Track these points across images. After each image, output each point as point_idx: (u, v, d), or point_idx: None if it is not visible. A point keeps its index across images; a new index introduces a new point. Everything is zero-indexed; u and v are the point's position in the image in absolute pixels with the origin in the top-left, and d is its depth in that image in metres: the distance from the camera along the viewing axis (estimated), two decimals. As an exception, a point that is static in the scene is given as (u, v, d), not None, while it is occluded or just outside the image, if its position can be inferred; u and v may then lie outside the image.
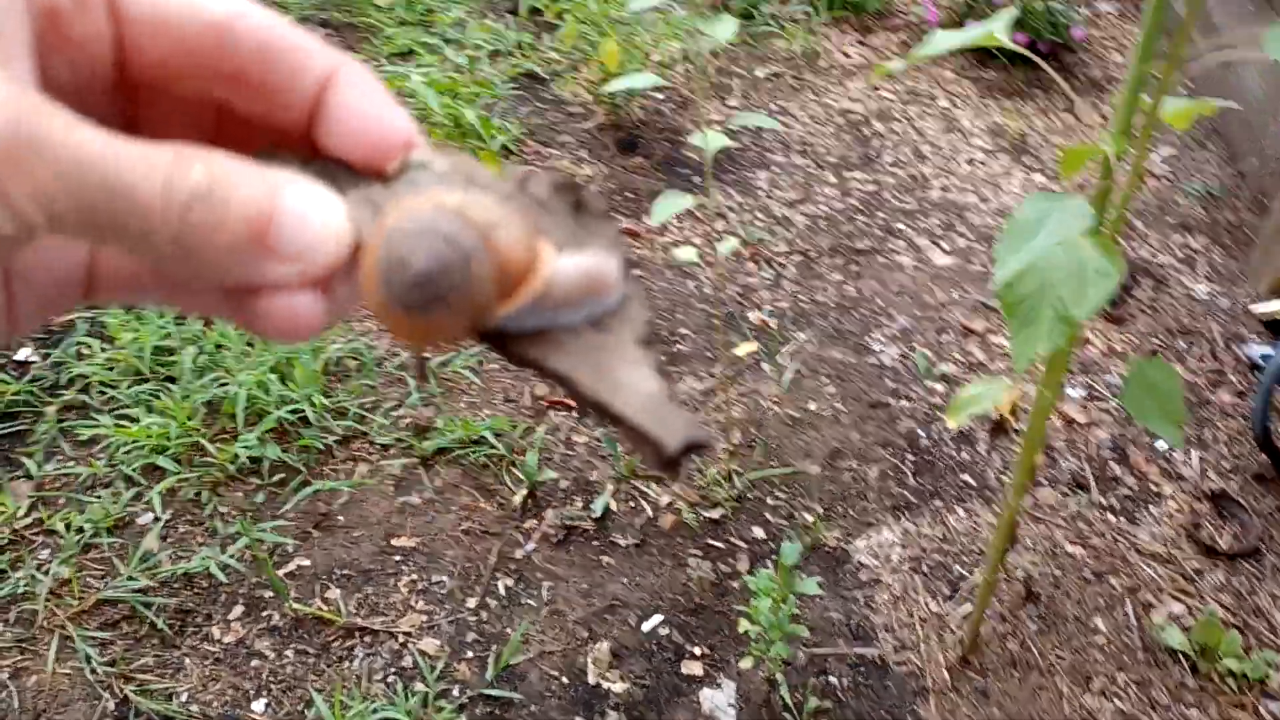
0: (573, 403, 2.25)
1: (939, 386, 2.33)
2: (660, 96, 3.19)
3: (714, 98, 3.24)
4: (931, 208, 2.89)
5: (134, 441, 2.00)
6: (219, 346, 2.23)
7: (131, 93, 0.27)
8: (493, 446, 2.08)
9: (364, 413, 2.16)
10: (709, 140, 1.75)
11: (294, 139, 0.27)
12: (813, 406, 2.28)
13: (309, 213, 0.24)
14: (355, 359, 2.30)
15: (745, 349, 2.38)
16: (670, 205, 1.69)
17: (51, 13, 0.23)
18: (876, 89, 3.31)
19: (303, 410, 2.09)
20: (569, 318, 0.26)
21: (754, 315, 2.53)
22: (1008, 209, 2.87)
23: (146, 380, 2.15)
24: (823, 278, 2.66)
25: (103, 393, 2.14)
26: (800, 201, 2.90)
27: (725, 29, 1.50)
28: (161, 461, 1.98)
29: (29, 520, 1.90)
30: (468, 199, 0.25)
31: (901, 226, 2.83)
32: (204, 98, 0.26)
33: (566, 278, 0.25)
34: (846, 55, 3.45)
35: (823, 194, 2.93)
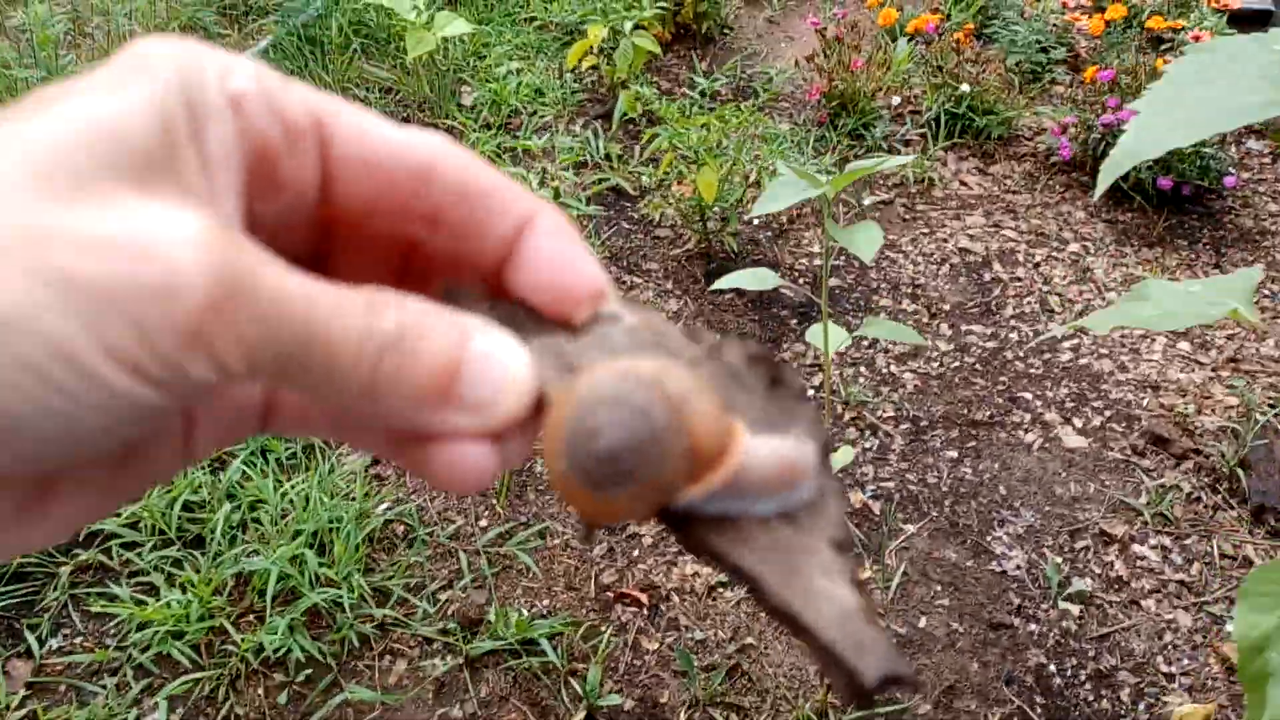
0: (643, 600, 1.99)
1: (1073, 608, 2.01)
2: (756, 223, 2.96)
3: (815, 226, 2.99)
4: (1061, 373, 2.59)
5: (150, 622, 1.79)
6: (256, 503, 2.02)
7: (327, 229, 0.27)
8: (548, 655, 1.82)
9: (408, 595, 1.92)
10: (826, 339, 1.49)
11: (483, 277, 0.27)
12: (924, 623, 1.98)
13: (495, 364, 0.24)
14: (404, 523, 2.07)
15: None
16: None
17: (264, 152, 0.23)
18: (998, 227, 3.04)
19: (340, 596, 1.85)
20: (760, 507, 0.24)
21: (855, 496, 2.25)
22: (1149, 380, 2.55)
23: (171, 543, 1.94)
24: (935, 453, 2.36)
25: (123, 553, 1.93)
26: (910, 356, 2.62)
27: (868, 241, 1.25)
28: (177, 651, 1.76)
29: (22, 714, 1.69)
30: (663, 367, 0.24)
31: (1026, 395, 2.53)
32: (398, 234, 0.26)
33: (761, 463, 0.24)
34: (964, 185, 3.18)
35: (935, 349, 2.65)
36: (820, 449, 0.25)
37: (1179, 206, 3.06)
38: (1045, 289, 2.84)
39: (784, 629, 0.22)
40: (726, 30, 3.86)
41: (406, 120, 3.29)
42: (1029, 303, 2.80)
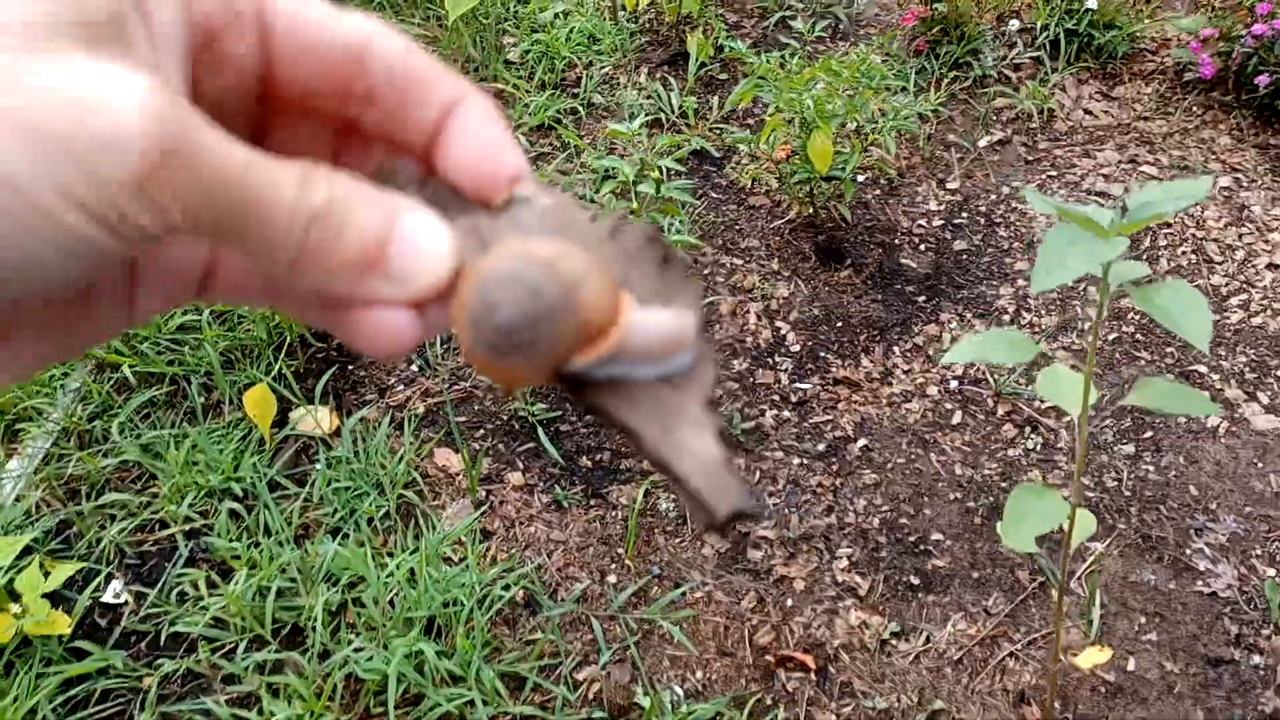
0: (809, 664, 1.75)
1: (1305, 637, 1.75)
2: (862, 179, 2.62)
3: (929, 178, 2.65)
4: (1233, 337, 2.28)
5: (256, 748, 1.56)
6: (356, 581, 1.77)
7: (268, 106, 0.28)
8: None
9: (542, 680, 1.68)
10: (1085, 404, 1.21)
11: (415, 157, 0.29)
12: (1133, 665, 1.73)
13: (420, 241, 0.26)
14: (523, 587, 1.83)
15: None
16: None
17: (208, 32, 0.25)
18: (1134, 163, 2.69)
19: (468, 694, 1.62)
20: (644, 372, 0.27)
21: (1026, 510, 1.98)
22: (1337, 340, 2.25)
23: (266, 642, 1.70)
24: (1108, 449, 2.08)
25: (213, 657, 1.70)
26: (1060, 331, 2.31)
27: (1193, 317, 0.95)
28: (293, 782, 1.53)
29: None
30: (560, 250, 0.26)
31: (1199, 368, 2.23)
32: (335, 113, 0.28)
33: (644, 333, 0.27)
34: (1089, 113, 2.82)
35: (1088, 318, 2.34)
36: (698, 321, 0.28)
37: (1341, 123, 2.69)
38: (1199, 235, 2.51)
39: (663, 476, 0.26)
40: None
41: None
42: (1184, 253, 2.48)
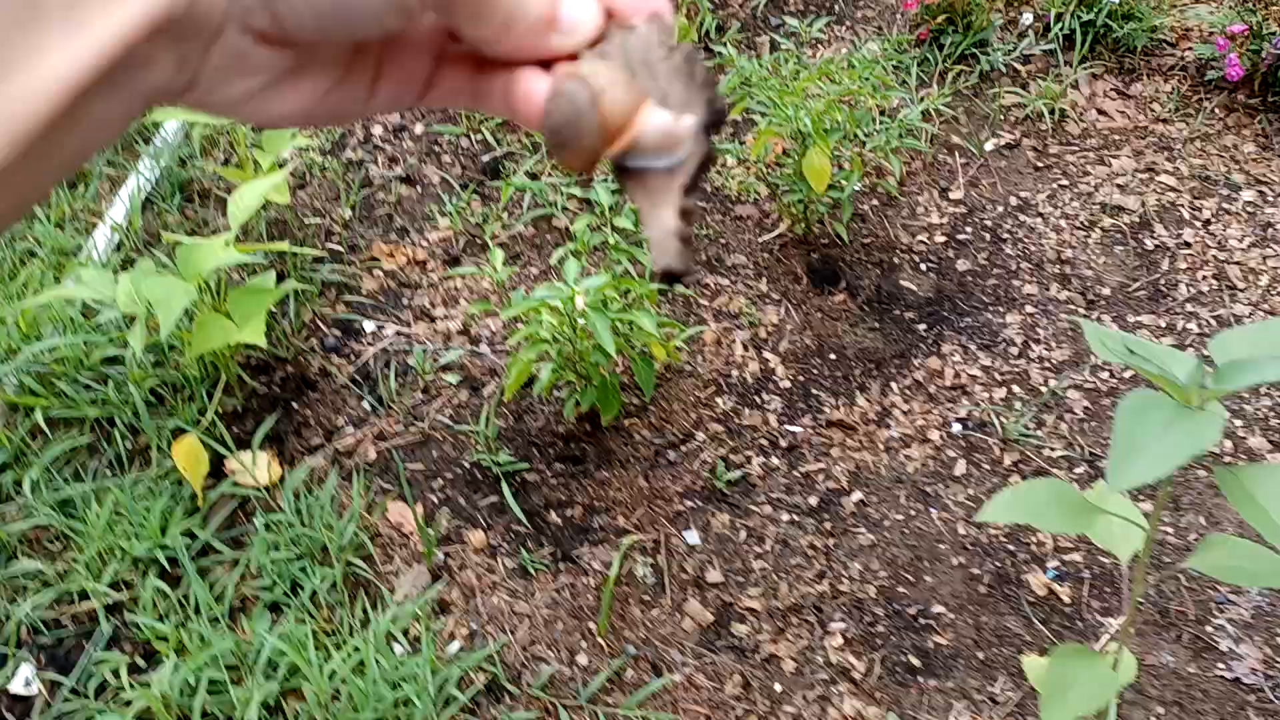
0: None
1: (1336, 733, 1.63)
2: (858, 188, 2.43)
3: (930, 186, 2.46)
4: (1257, 376, 2.13)
5: None
6: (296, 670, 1.61)
7: None
8: None
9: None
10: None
11: None
12: (1150, 765, 1.61)
13: (576, 10, 0.35)
14: (485, 669, 1.67)
15: (1033, 666, 1.70)
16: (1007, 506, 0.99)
17: None
18: (1152, 171, 2.51)
19: (422, 810, 1.46)
20: (659, 163, 0.35)
21: (1034, 578, 1.84)
22: (1368, 381, 2.10)
23: (195, 745, 1.54)
24: (1123, 506, 1.94)
25: (136, 759, 1.53)
26: (1071, 364, 2.16)
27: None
28: None
29: None
30: (593, 69, 0.35)
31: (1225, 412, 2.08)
32: None
33: (650, 131, 0.35)
34: (1103, 113, 2.64)
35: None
36: (701, 124, 0.35)
37: (1372, 130, 2.53)
38: (1221, 256, 2.35)
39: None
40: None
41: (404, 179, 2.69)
42: (1204, 277, 2.32)
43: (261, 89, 0.33)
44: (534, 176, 2.44)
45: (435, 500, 1.89)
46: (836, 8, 2.93)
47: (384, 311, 2.20)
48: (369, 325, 2.17)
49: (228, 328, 1.70)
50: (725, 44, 2.61)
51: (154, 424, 1.88)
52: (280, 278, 2.08)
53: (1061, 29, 2.65)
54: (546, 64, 0.36)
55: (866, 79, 2.05)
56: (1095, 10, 2.64)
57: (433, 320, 2.19)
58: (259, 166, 2.06)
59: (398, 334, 2.16)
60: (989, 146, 2.56)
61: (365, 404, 2.03)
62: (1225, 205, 2.45)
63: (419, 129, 2.57)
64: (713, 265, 2.31)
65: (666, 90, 0.35)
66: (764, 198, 2.40)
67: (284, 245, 1.79)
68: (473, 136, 2.55)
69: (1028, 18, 2.58)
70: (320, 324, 2.16)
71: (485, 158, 2.50)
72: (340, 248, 2.31)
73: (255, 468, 1.84)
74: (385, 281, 2.25)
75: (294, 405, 2.01)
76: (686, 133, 0.35)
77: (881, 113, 2.41)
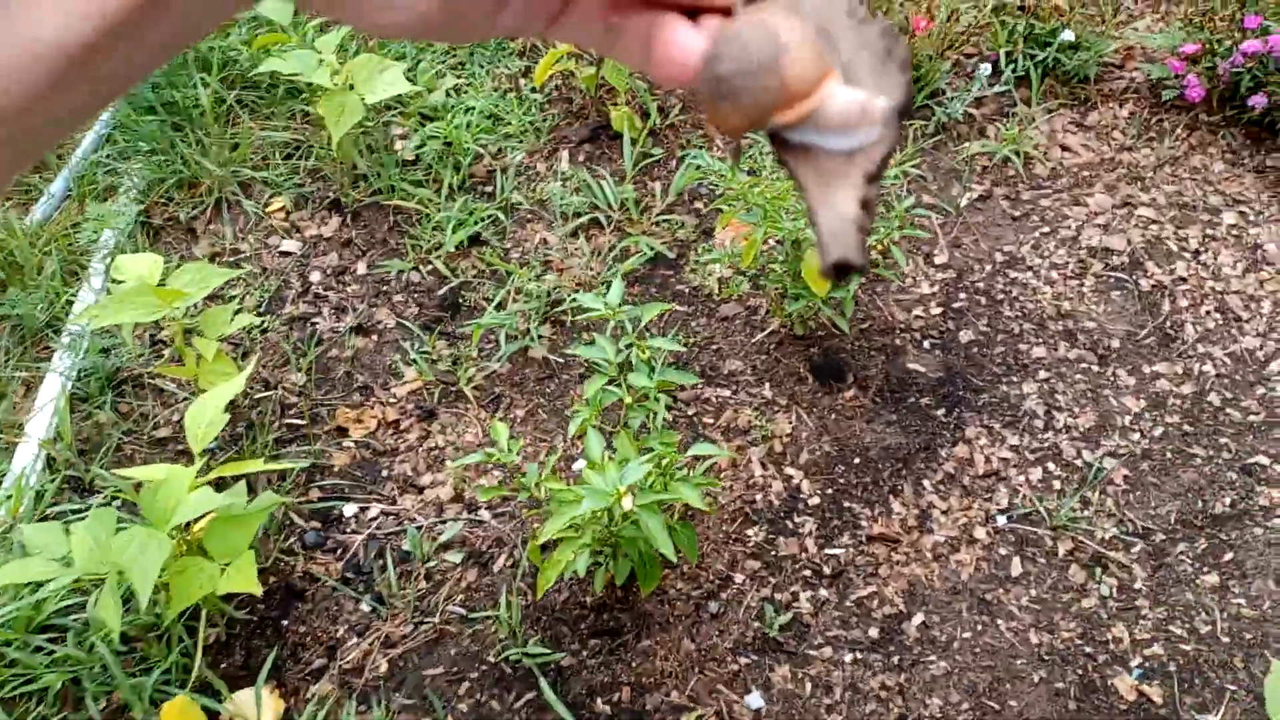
0: None
1: None
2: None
3: (914, 253, 2.36)
4: (1285, 413, 2.08)
5: None
6: None
7: None
8: None
9: None
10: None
11: None
12: None
13: None
14: None
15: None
16: None
17: None
18: (1129, 205, 2.45)
19: None
20: (832, 143, 0.32)
21: (1120, 681, 1.73)
22: (1394, 401, 2.06)
23: None
24: (1189, 583, 1.85)
25: None
26: (1098, 430, 2.07)
27: None
28: None
29: None
30: (788, 25, 0.31)
31: (1261, 459, 2.01)
32: None
33: (835, 108, 0.31)
34: (1067, 150, 2.57)
35: (1125, 410, 2.10)
36: (895, 109, 0.32)
37: (1333, 133, 2.51)
38: (1219, 287, 2.30)
39: (810, 223, 0.33)
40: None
41: (336, 203, 2.48)
42: (1208, 312, 2.26)
43: None
44: (500, 306, 2.25)
45: (464, 709, 1.69)
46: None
47: (363, 489, 1.99)
48: (349, 509, 1.96)
49: (210, 572, 1.48)
50: (664, 109, 2.47)
51: (130, 681, 1.64)
52: (250, 485, 1.86)
53: (1014, 70, 2.58)
54: (692, 15, 0.34)
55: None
56: (1044, 47, 2.57)
57: (420, 490, 1.99)
58: (200, 358, 1.84)
59: (384, 514, 1.95)
60: (964, 201, 2.47)
61: (364, 605, 1.82)
62: (1209, 231, 2.40)
63: (361, 268, 2.37)
64: (709, 376, 2.16)
65: (851, 62, 0.33)
66: (748, 293, 2.26)
67: (258, 464, 1.57)
68: (423, 269, 2.35)
69: (985, 68, 2.50)
70: (295, 516, 1.94)
71: (441, 291, 2.31)
72: (301, 421, 2.09)
73: (261, 711, 1.62)
74: (358, 453, 2.04)
75: (284, 623, 1.79)
76: (881, 116, 0.32)
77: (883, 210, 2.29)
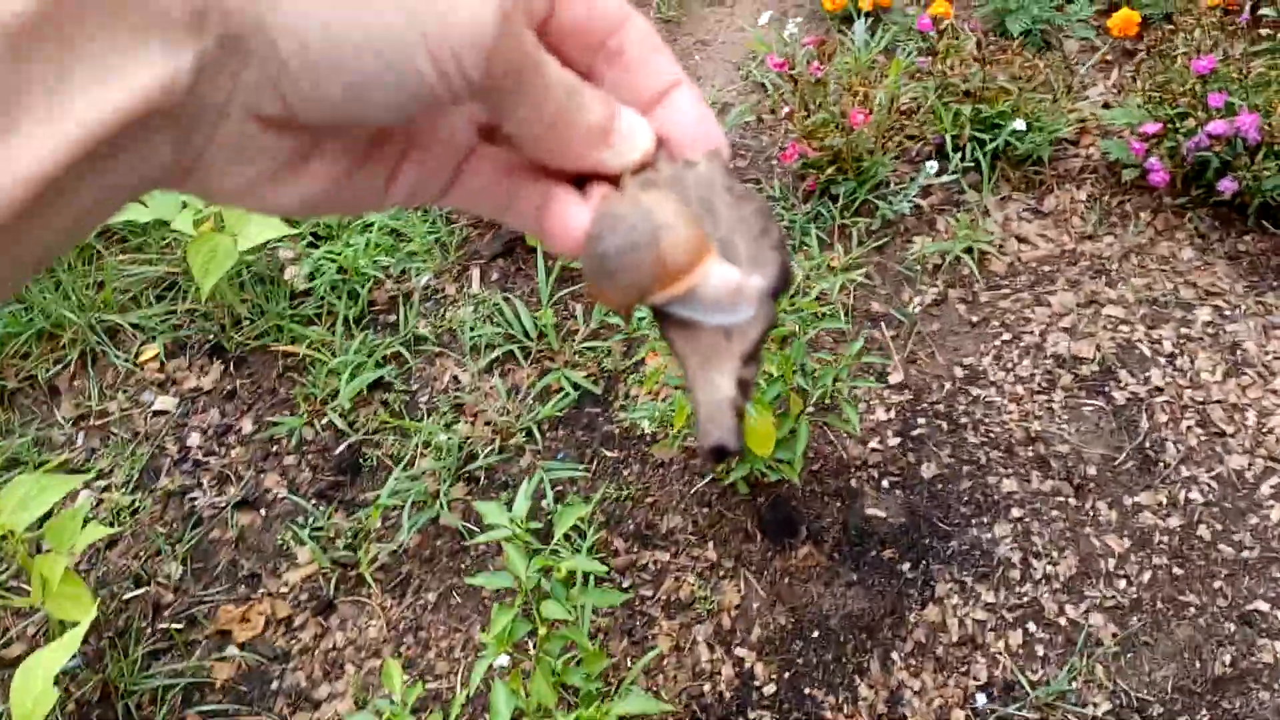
0: None
1: None
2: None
3: (865, 373, 2.14)
4: (1282, 545, 1.89)
5: None
6: None
7: (543, 38, 0.34)
8: None
9: None
10: None
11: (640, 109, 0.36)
12: None
13: (634, 124, 0.34)
14: None
15: None
16: None
17: None
18: (1096, 303, 2.26)
19: None
20: (711, 318, 0.32)
21: None
22: (1397, 526, 1.88)
23: None
24: (1196, 767, 1.64)
25: None
26: (1081, 578, 1.86)
27: None
28: None
29: None
30: (665, 204, 0.32)
31: (1261, 605, 1.82)
32: (576, 61, 0.34)
33: (712, 285, 0.32)
34: (1024, 241, 2.38)
35: (1108, 552, 1.90)
36: (769, 289, 0.32)
37: (1304, 211, 2.34)
38: (1199, 398, 2.11)
39: (688, 399, 0.24)
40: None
41: (218, 348, 2.21)
42: (1189, 427, 2.07)
43: (268, 175, 0.31)
44: (407, 465, 2.00)
45: None
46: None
47: (251, 707, 1.73)
48: (235, 737, 1.69)
49: None
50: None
51: None
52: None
53: (962, 160, 2.38)
54: (581, 184, 0.35)
55: (794, 309, 1.71)
56: (995, 129, 2.38)
57: (316, 706, 1.73)
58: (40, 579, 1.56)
59: (275, 740, 1.69)
60: (915, 308, 2.26)
61: None
62: (1184, 330, 2.22)
63: (247, 426, 2.10)
64: (645, 537, 1.93)
65: (728, 239, 0.34)
66: (685, 435, 2.03)
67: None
68: (317, 423, 2.09)
69: (932, 166, 2.30)
70: (169, 753, 1.67)
71: (339, 450, 2.05)
72: (177, 625, 1.82)
73: None
74: (244, 661, 1.78)
75: None
76: (754, 295, 0.33)
77: (830, 359, 2.09)
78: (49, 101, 0.25)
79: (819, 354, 1.99)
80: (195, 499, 1.99)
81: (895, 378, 2.16)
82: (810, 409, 1.82)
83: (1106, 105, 2.62)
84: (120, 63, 0.25)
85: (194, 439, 2.08)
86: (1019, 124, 2.29)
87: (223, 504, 1.98)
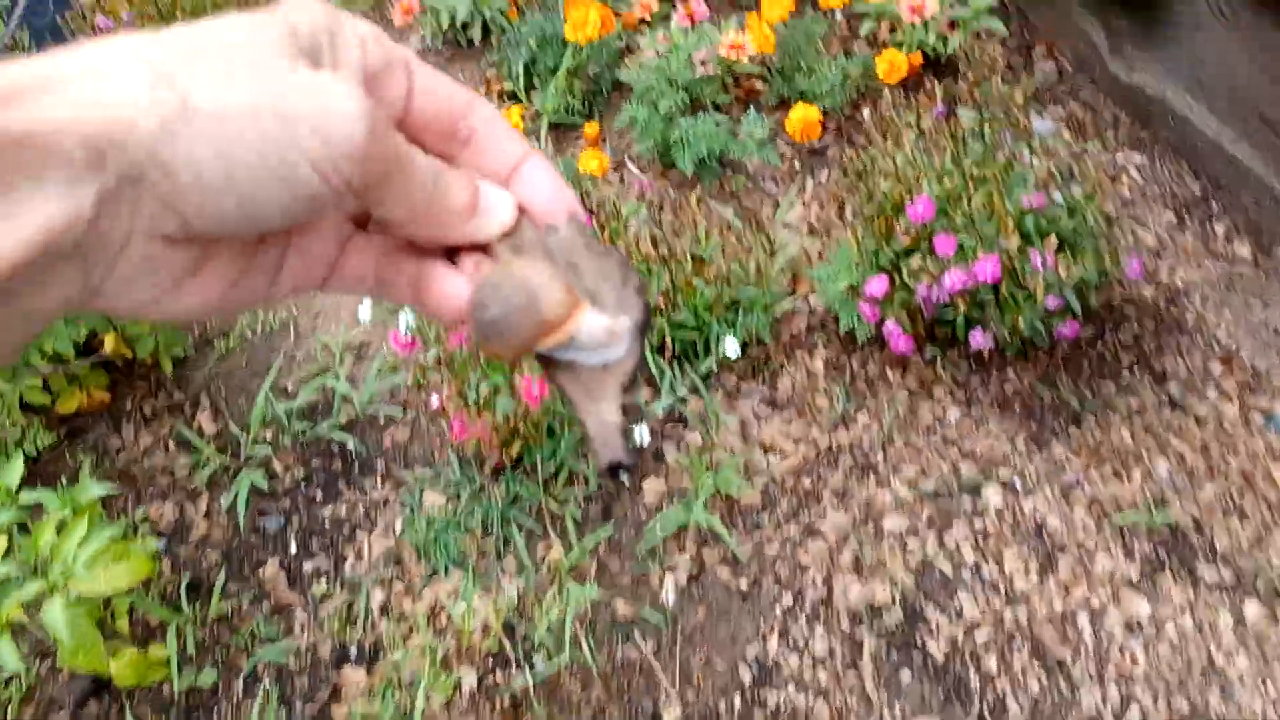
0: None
1: None
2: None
3: (613, 699, 1.65)
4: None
5: None
6: None
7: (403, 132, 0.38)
8: None
9: None
10: None
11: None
12: None
13: (494, 195, 0.39)
14: None
15: None
16: None
17: (373, 70, 0.36)
18: (873, 519, 1.85)
19: None
20: (589, 358, 0.38)
21: None
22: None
23: None
24: None
25: None
26: None
27: None
28: None
29: None
30: (532, 267, 0.37)
31: None
32: (434, 148, 0.39)
33: (587, 330, 0.37)
34: (771, 451, 1.93)
35: None
36: (636, 326, 0.38)
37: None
38: (1020, 617, 1.75)
39: (580, 428, 0.22)
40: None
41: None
42: (1024, 667, 1.70)
43: (169, 287, 0.33)
44: None
45: None
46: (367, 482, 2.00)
47: None
48: None
49: None
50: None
51: None
52: None
53: (674, 388, 1.90)
54: (452, 253, 0.39)
55: None
56: (708, 342, 1.91)
57: None
58: None
59: None
60: (670, 598, 1.78)
61: None
62: (978, 524, 1.85)
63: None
64: None
65: (595, 289, 0.38)
66: None
67: None
68: None
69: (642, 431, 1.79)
70: None
71: None
72: None
73: None
74: None
75: None
76: (625, 333, 0.38)
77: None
78: None
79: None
80: None
81: (671, 712, 1.68)
82: None
83: (812, 230, 2.21)
84: (27, 198, 0.27)
85: None
86: (731, 346, 1.82)
87: None
